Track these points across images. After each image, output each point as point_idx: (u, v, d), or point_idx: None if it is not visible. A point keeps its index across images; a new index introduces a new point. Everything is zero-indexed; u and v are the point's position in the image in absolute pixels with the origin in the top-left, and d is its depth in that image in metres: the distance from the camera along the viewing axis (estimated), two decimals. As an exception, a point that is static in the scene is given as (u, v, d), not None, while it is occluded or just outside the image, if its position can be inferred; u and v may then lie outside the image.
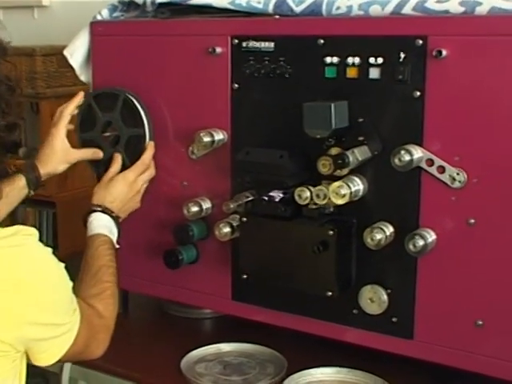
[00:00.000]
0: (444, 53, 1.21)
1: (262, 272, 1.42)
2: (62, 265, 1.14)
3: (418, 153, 1.24)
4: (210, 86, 1.48)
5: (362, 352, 1.40)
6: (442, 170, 1.25)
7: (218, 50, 1.45)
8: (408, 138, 1.27)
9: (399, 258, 1.30)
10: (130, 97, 1.54)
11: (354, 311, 1.37)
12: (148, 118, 1.55)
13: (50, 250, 1.12)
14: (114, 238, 1.42)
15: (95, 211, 1.44)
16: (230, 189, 1.48)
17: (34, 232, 1.10)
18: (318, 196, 1.32)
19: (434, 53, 1.22)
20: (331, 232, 1.30)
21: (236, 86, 1.45)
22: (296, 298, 1.43)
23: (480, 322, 1.27)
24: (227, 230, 1.44)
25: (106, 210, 1.45)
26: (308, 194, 1.33)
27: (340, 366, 1.40)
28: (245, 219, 1.40)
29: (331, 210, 1.35)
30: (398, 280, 1.33)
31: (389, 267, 1.33)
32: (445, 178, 1.25)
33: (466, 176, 1.24)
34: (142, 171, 1.52)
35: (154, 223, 1.61)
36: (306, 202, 1.34)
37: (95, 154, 1.57)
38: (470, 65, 1.21)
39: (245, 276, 1.43)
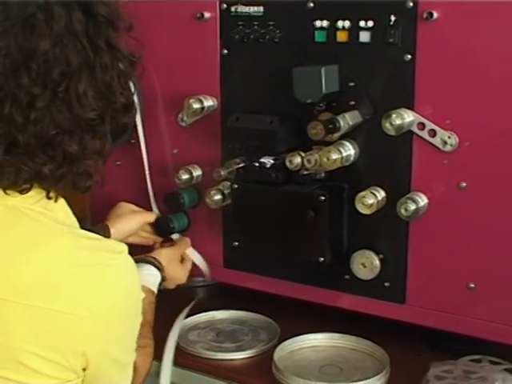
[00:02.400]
0: (435, 15, 1.20)
1: (254, 239, 1.41)
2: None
3: (409, 116, 1.23)
4: (199, 52, 1.46)
5: (355, 317, 1.40)
6: (433, 133, 1.24)
7: (207, 15, 1.43)
8: (399, 101, 1.26)
9: (391, 222, 1.30)
10: None
11: (346, 277, 1.37)
12: (136, 86, 1.52)
13: (137, 272, 1.02)
14: (154, 287, 1.34)
15: (157, 267, 1.36)
16: (221, 156, 1.47)
17: (123, 248, 0.98)
18: (308, 161, 1.31)
19: (425, 15, 1.20)
20: (323, 198, 1.30)
21: (225, 51, 1.43)
22: (288, 264, 1.43)
23: (472, 285, 1.27)
24: (218, 197, 1.43)
25: (164, 277, 1.37)
26: (299, 159, 1.32)
27: (333, 332, 1.40)
28: (236, 186, 1.39)
29: (322, 175, 1.34)
30: (389, 245, 1.33)
31: (380, 232, 1.33)
32: (436, 141, 1.24)
33: (457, 139, 1.23)
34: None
35: (145, 191, 1.60)
36: (297, 167, 1.33)
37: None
38: (461, 27, 1.19)
39: (236, 243, 1.43)
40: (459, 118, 1.22)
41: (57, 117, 0.91)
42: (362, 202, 1.27)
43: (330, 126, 1.26)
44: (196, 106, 1.42)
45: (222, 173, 1.39)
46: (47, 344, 0.92)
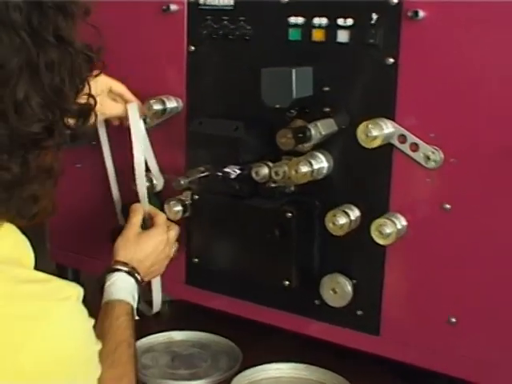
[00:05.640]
0: (421, 14, 1.06)
1: (214, 256, 1.28)
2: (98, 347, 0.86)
3: (388, 127, 1.10)
4: (165, 48, 1.32)
5: (324, 347, 1.26)
6: (415, 147, 1.11)
7: (173, 7, 1.29)
8: (379, 110, 1.12)
9: (366, 245, 1.16)
10: None
11: (316, 302, 1.24)
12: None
13: (87, 321, 0.83)
14: (135, 305, 1.16)
15: (119, 270, 1.18)
16: (185, 163, 1.34)
17: (72, 294, 0.80)
18: (276, 173, 1.17)
19: (410, 13, 1.06)
20: (289, 214, 1.16)
21: (192, 48, 1.30)
22: (253, 284, 1.29)
23: (453, 320, 1.13)
24: (178, 208, 1.30)
25: (132, 271, 1.19)
26: (266, 170, 1.19)
27: (297, 362, 1.27)
28: (196, 197, 1.26)
29: (292, 189, 1.21)
30: (363, 270, 1.19)
31: (354, 255, 1.20)
32: (418, 156, 1.10)
33: (442, 155, 1.09)
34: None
35: (104, 199, 1.47)
36: (265, 179, 1.20)
37: None
38: (450, 29, 1.06)
39: (196, 259, 1.29)
40: (445, 131, 1.09)
41: None
42: (333, 222, 1.13)
43: (300, 135, 1.12)
44: (157, 107, 1.29)
45: (182, 182, 1.26)
46: None
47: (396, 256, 1.16)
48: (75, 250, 1.58)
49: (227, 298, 1.34)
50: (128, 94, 1.33)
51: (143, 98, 1.32)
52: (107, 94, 1.32)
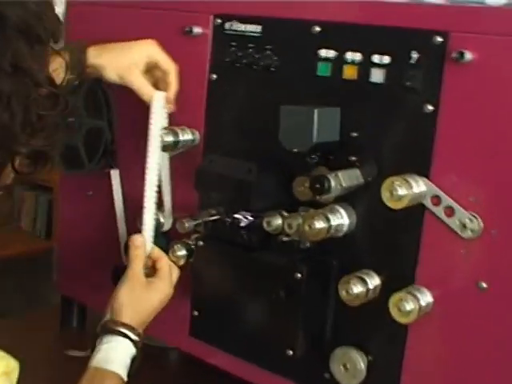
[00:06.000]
0: (467, 56, 0.90)
1: (215, 311, 1.13)
2: None
3: (419, 186, 0.93)
4: (185, 74, 1.19)
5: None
6: (450, 212, 0.94)
7: (197, 30, 1.17)
8: (412, 164, 0.96)
9: (385, 317, 0.99)
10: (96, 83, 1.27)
11: (326, 375, 1.07)
12: (112, 109, 1.28)
13: None
14: (126, 372, 0.99)
15: (124, 335, 1.00)
16: (198, 202, 1.20)
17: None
18: (289, 226, 1.03)
19: (455, 55, 0.90)
20: (299, 274, 1.01)
21: (214, 76, 1.17)
22: (258, 345, 1.14)
23: (482, 417, 0.95)
24: (182, 252, 1.16)
25: (138, 340, 1.01)
26: (279, 221, 1.04)
27: None
28: (201, 243, 1.12)
29: (307, 245, 1.05)
30: (382, 345, 1.03)
31: (372, 328, 1.03)
32: (453, 223, 0.94)
33: (481, 224, 0.92)
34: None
35: (116, 231, 1.35)
36: (277, 231, 1.05)
37: None
38: (501, 74, 0.89)
39: (195, 312, 1.15)
40: (488, 195, 0.92)
41: None
42: (347, 290, 0.97)
43: (317, 186, 0.97)
44: (168, 138, 1.16)
45: (187, 225, 1.12)
46: None
47: (420, 333, 0.99)
48: (82, 283, 1.46)
49: (229, 356, 1.19)
50: (173, 80, 1.15)
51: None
52: (145, 64, 1.15)
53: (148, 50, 1.15)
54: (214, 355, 1.22)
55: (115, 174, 1.30)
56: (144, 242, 1.09)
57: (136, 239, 1.09)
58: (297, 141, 0.99)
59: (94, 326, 1.50)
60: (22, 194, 2.45)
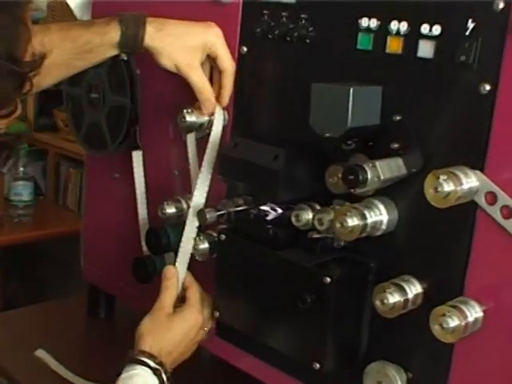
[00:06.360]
0: (534, 26, 0.74)
1: (235, 314, 1.01)
2: None
3: (470, 181, 0.79)
4: (213, 46, 1.07)
5: None
6: (508, 212, 0.79)
7: (227, -3, 1.04)
8: (463, 155, 0.81)
9: (428, 331, 0.85)
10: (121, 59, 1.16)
11: (359, 391, 0.95)
12: (136, 86, 1.17)
13: None
14: None
15: (144, 364, 0.95)
16: (226, 189, 1.08)
17: None
18: (320, 222, 0.89)
19: (518, 24, 0.75)
20: (328, 279, 0.87)
21: (245, 49, 1.04)
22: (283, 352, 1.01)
23: None
24: (204, 246, 1.04)
25: (159, 368, 0.96)
26: (309, 216, 0.91)
27: None
28: (223, 237, 1.00)
29: (341, 243, 0.92)
30: (423, 362, 0.89)
31: (412, 342, 0.89)
32: (511, 225, 0.79)
33: (545, 228, 0.77)
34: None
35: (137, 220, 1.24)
36: (307, 227, 0.92)
37: None
38: None
39: (217, 313, 1.03)
40: (554, 194, 0.77)
41: None
42: (381, 300, 0.83)
43: (351, 178, 0.83)
44: (190, 118, 1.04)
45: (208, 216, 1.00)
46: None
47: (468, 351, 0.85)
48: (109, 272, 1.36)
49: (255, 360, 1.07)
50: (228, 83, 1.04)
51: (180, 104, 1.07)
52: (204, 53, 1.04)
53: (210, 41, 1.03)
54: (239, 358, 1.11)
55: (137, 156, 1.19)
56: (176, 273, 1.05)
57: (168, 270, 1.05)
58: (329, 124, 0.85)
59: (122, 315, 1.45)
60: (68, 172, 2.39)
